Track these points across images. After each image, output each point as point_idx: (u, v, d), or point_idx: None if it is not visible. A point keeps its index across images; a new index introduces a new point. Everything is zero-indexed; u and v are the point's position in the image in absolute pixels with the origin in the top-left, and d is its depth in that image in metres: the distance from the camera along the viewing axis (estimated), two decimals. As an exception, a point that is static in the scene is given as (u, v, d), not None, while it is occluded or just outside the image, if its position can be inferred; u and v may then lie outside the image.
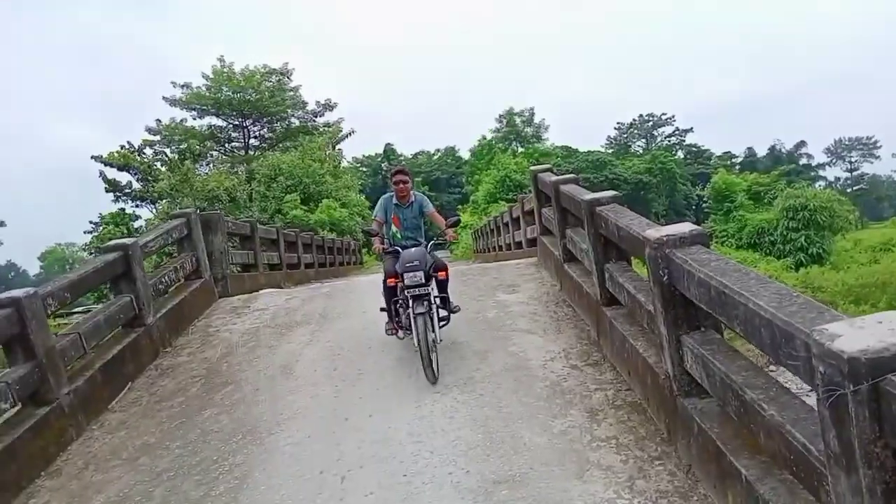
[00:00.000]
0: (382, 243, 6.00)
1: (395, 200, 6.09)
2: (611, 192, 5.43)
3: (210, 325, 7.64)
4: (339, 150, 41.11)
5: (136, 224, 34.73)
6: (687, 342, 3.46)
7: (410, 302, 5.29)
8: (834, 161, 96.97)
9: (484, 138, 69.56)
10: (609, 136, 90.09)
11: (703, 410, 3.38)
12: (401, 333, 5.69)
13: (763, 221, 36.16)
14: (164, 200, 32.76)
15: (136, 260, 6.68)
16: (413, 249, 5.62)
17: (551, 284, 7.60)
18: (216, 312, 8.15)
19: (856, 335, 1.86)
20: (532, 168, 9.18)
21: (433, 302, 5.39)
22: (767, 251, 33.95)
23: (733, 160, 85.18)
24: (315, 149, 35.27)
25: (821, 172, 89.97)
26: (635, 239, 4.10)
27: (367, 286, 8.37)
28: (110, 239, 30.96)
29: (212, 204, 27.78)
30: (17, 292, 5.02)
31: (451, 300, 5.90)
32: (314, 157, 34.23)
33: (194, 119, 37.95)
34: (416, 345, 5.16)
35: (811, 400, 2.32)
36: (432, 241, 6.17)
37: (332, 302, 8.12)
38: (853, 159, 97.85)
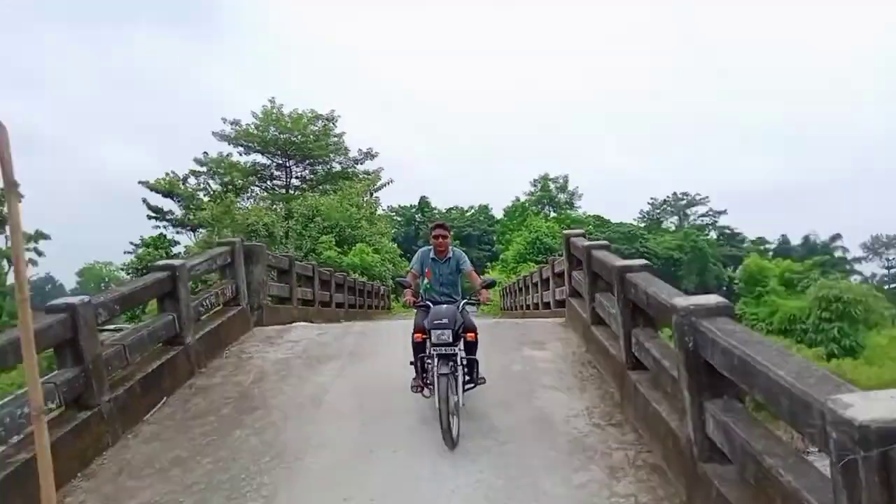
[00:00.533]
0: (414, 297, 5.92)
1: (432, 255, 6.06)
2: (642, 261, 5.65)
3: (244, 352, 7.92)
4: (376, 197, 42.03)
5: (175, 249, 35.70)
6: (709, 408, 3.60)
7: (435, 360, 5.14)
8: (870, 256, 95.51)
9: (518, 200, 70.39)
10: (642, 210, 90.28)
11: (722, 476, 3.49)
12: (426, 392, 5.43)
13: (795, 309, 35.71)
14: (205, 229, 33.80)
15: (182, 281, 7.03)
16: (444, 307, 5.49)
17: (577, 345, 7.74)
18: (251, 340, 8.43)
19: (868, 406, 2.03)
20: (566, 232, 9.47)
21: (459, 363, 5.22)
22: (799, 339, 33.40)
23: (766, 246, 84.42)
24: (353, 194, 36.13)
25: (856, 266, 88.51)
26: (663, 306, 4.29)
27: (397, 329, 8.58)
28: (150, 261, 32.05)
29: (250, 237, 28.48)
30: (73, 299, 5.36)
31: (478, 367, 5.62)
32: (352, 201, 35.05)
33: (240, 155, 39.33)
34: (436, 405, 4.95)
35: (827, 470, 2.46)
36: (465, 301, 5.95)
37: (363, 341, 8.35)
38: (890, 257, 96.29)
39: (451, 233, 6.35)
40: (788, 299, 38.87)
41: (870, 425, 1.95)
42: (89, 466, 5.11)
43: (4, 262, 47.75)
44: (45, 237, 53.07)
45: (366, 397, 6.20)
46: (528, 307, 15.96)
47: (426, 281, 6.02)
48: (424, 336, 5.41)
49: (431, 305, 5.60)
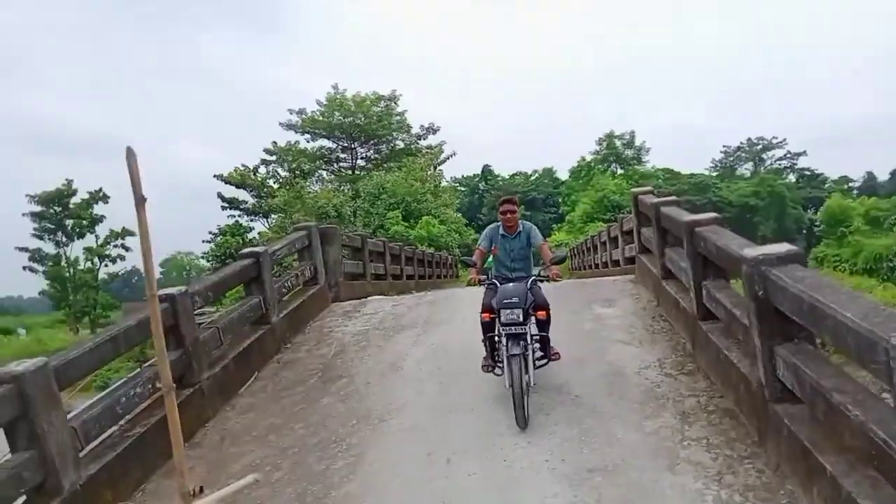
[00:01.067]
0: (479, 274, 5.67)
1: (501, 231, 5.78)
2: (711, 214, 5.61)
3: (325, 326, 8.36)
4: (440, 170, 42.32)
5: (250, 235, 37.25)
6: (780, 352, 3.64)
7: (505, 341, 4.96)
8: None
9: (583, 159, 69.03)
10: (714, 159, 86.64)
11: (792, 414, 3.55)
12: (497, 370, 5.30)
13: (881, 247, 33.94)
14: (277, 215, 35.09)
15: (266, 266, 7.48)
16: (511, 285, 5.26)
17: (648, 300, 7.75)
18: (330, 315, 8.88)
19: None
20: (633, 190, 9.38)
21: (529, 342, 5.04)
22: (885, 277, 31.75)
23: (850, 184, 79.71)
24: (417, 169, 36.53)
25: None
26: (732, 257, 4.31)
27: (467, 296, 8.80)
28: (227, 248, 33.58)
29: (320, 219, 29.35)
30: (172, 290, 5.84)
31: (551, 343, 5.43)
32: (416, 176, 35.45)
33: (307, 142, 40.41)
34: (507, 386, 4.83)
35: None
36: (534, 277, 5.60)
37: (436, 309, 8.63)
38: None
39: (520, 207, 6.03)
40: (874, 238, 36.97)
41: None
42: (194, 437, 5.62)
43: (96, 260, 51.25)
44: (132, 234, 56.31)
45: (442, 361, 6.46)
46: (597, 266, 15.90)
47: (496, 258, 5.83)
48: (493, 315, 5.20)
49: (498, 284, 5.39)
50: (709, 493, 3.61)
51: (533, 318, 5.22)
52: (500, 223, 5.84)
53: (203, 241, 42.90)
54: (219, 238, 37.51)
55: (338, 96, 39.20)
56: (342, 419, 5.46)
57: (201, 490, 2.96)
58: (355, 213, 32.77)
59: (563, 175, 73.44)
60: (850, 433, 2.82)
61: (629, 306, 7.69)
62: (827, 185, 75.19)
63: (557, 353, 5.44)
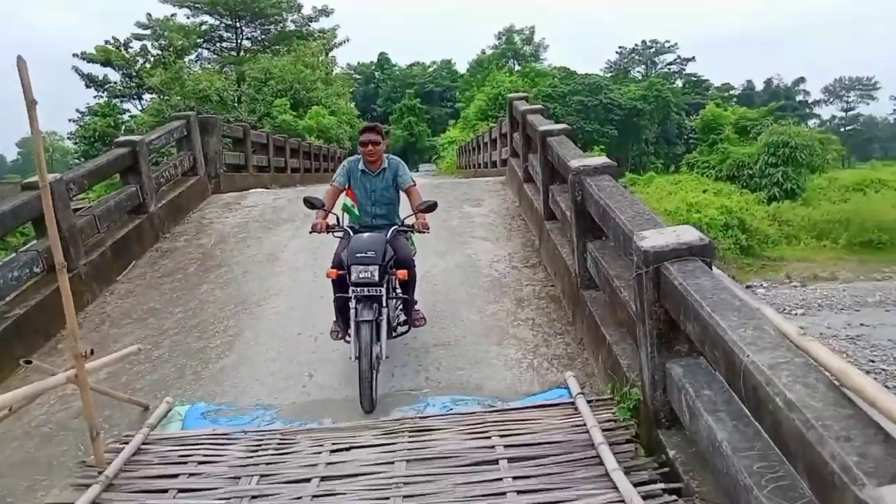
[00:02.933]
0: (325, 219, 4.54)
1: (361, 166, 4.72)
2: (561, 126, 6.29)
3: (204, 217, 8.55)
4: (332, 56, 40.77)
5: (123, 118, 34.81)
6: (589, 247, 4.45)
7: (354, 303, 4.09)
8: (831, 100, 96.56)
9: (483, 53, 68.45)
10: (609, 60, 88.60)
11: (593, 298, 4.41)
12: (349, 338, 4.26)
13: (744, 155, 37.03)
14: (152, 96, 32.84)
15: (142, 155, 7.49)
16: (366, 235, 4.33)
17: (512, 201, 8.53)
18: (209, 207, 9.03)
19: (655, 238, 2.82)
20: (509, 95, 9.94)
21: (386, 306, 4.16)
22: (745, 184, 34.97)
23: (731, 92, 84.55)
24: (308, 54, 35.02)
25: (816, 110, 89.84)
26: (565, 165, 5.00)
27: (349, 192, 9.23)
28: (96, 130, 31.33)
29: (201, 103, 27.94)
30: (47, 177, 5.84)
31: (416, 307, 4.71)
32: (307, 62, 34.07)
33: (187, 17, 37.30)
34: (352, 358, 4.03)
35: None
36: (395, 228, 4.56)
37: (316, 204, 8.99)
38: (850, 99, 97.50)
39: (387, 138, 5.09)
40: (740, 146, 40.17)
41: (650, 250, 2.74)
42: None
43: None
44: (-14, 110, 50.71)
45: (318, 253, 6.93)
46: (479, 166, 16.58)
47: (350, 203, 4.84)
48: (342, 272, 4.21)
49: (351, 233, 4.45)
50: (525, 361, 4.47)
51: (395, 279, 4.42)
52: (360, 157, 4.78)
53: (70, 121, 39.69)
54: (87, 118, 34.82)
55: (223, -34, 36.19)
56: (220, 304, 5.91)
57: (91, 352, 3.41)
58: (239, 99, 31.34)
59: (462, 68, 72.69)
60: (621, 310, 3.66)
61: (495, 206, 8.44)
62: (710, 93, 79.35)
63: (423, 317, 4.75)
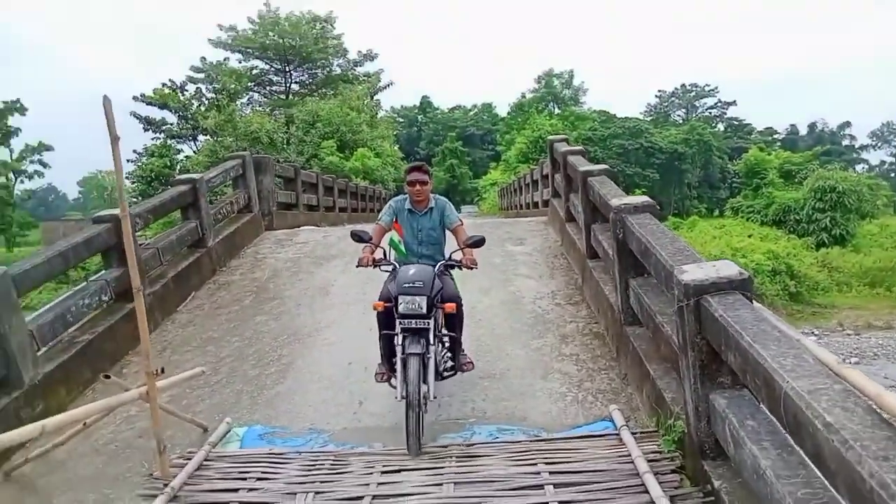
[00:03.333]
0: (373, 253, 4.45)
1: (408, 205, 4.69)
2: (602, 166, 6.49)
3: (258, 252, 8.93)
4: (377, 100, 42.02)
5: (178, 157, 36.31)
6: (632, 284, 4.57)
7: (401, 338, 3.98)
8: (879, 145, 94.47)
9: (523, 96, 69.47)
10: (649, 104, 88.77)
11: (637, 334, 4.51)
12: (395, 380, 4.11)
13: (791, 200, 36.48)
14: (206, 138, 34.28)
15: (201, 192, 7.94)
16: (414, 267, 4.25)
17: (554, 240, 8.69)
18: (263, 242, 9.43)
19: (695, 272, 2.95)
20: (550, 137, 10.18)
21: (433, 343, 4.02)
22: (792, 229, 34.37)
23: (774, 136, 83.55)
24: (354, 98, 36.18)
25: (864, 155, 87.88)
26: (606, 205, 5.16)
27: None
28: (153, 170, 32.76)
29: (252, 144, 29.02)
30: (115, 211, 6.27)
31: (463, 350, 4.57)
32: (352, 105, 35.18)
33: (239, 62, 39.11)
34: (398, 398, 3.87)
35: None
36: (443, 263, 4.49)
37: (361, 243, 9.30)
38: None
39: (432, 177, 4.84)
40: (786, 191, 39.59)
41: (690, 283, 2.87)
42: (137, 346, 6.19)
43: (11, 175, 48.81)
44: (49, 148, 53.59)
45: (367, 288, 7.15)
46: (521, 207, 16.82)
47: (398, 238, 4.74)
48: (389, 304, 4.13)
49: (398, 266, 4.40)
50: (569, 395, 4.56)
51: (441, 314, 4.27)
52: (406, 196, 4.75)
53: (128, 161, 41.51)
54: (144, 159, 36.42)
55: (271, 14, 37.94)
56: (274, 334, 6.17)
57: (162, 371, 3.67)
58: (288, 141, 32.46)
59: (502, 111, 73.80)
60: (665, 345, 3.76)
61: (537, 245, 8.60)
62: (753, 136, 78.59)
63: (471, 361, 4.59)
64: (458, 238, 4.64)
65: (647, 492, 3.02)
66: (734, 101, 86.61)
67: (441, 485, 3.31)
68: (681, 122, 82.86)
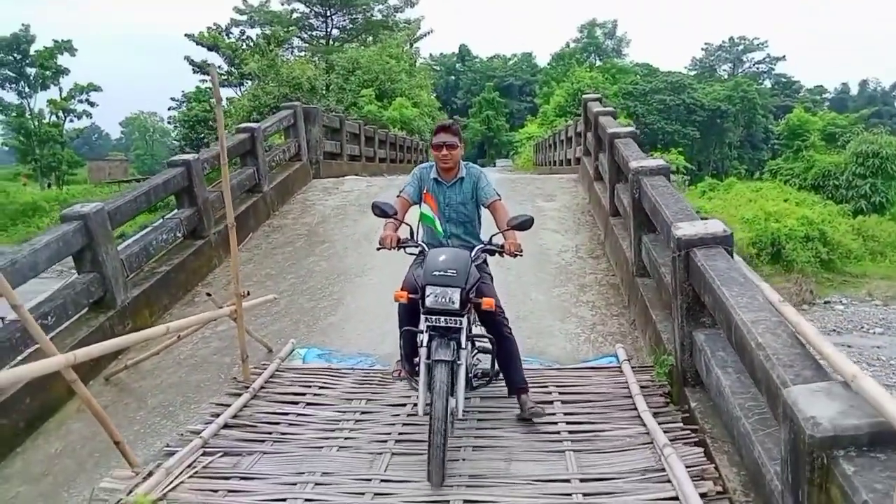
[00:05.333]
0: (397, 230, 3.83)
1: (433, 173, 3.97)
2: (629, 128, 6.98)
3: (307, 199, 9.68)
4: (416, 48, 41.99)
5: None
6: (644, 239, 5.16)
7: (426, 339, 3.29)
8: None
9: (567, 46, 68.26)
10: (694, 58, 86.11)
11: (645, 284, 5.13)
12: (415, 381, 3.55)
13: (831, 164, 35.72)
14: (250, 83, 34.99)
15: (259, 141, 8.66)
16: (447, 251, 3.52)
17: (582, 197, 9.24)
18: (311, 190, 10.18)
19: (687, 228, 3.55)
20: (584, 96, 10.58)
21: (464, 345, 3.30)
22: (830, 195, 33.77)
23: (824, 95, 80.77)
24: (393, 45, 36.30)
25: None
26: (627, 166, 5.71)
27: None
28: (195, 115, 33.71)
29: (293, 91, 29.59)
30: (188, 157, 7.05)
31: (510, 352, 3.75)
32: (391, 53, 35.34)
33: (281, 4, 39.43)
34: (420, 412, 3.30)
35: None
36: (479, 247, 3.74)
37: (403, 191, 9.98)
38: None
39: (463, 140, 4.01)
40: (827, 154, 38.77)
41: (682, 238, 3.48)
42: (205, 279, 7.06)
43: (61, 114, 50.42)
44: (97, 89, 54.90)
45: (406, 235, 7.91)
46: (554, 163, 17.22)
47: (427, 211, 3.88)
48: (413, 296, 3.41)
49: (426, 248, 3.68)
50: (583, 336, 5.25)
51: (473, 310, 3.53)
52: (433, 163, 4.04)
53: (169, 109, 42.71)
54: (184, 105, 37.42)
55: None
56: (325, 274, 6.94)
57: (248, 293, 4.44)
58: (328, 88, 32.95)
59: (543, 61, 72.69)
60: (665, 293, 4.38)
61: (567, 201, 9.17)
62: (801, 95, 76.10)
63: (525, 386, 3.77)
64: (497, 217, 3.86)
65: (635, 408, 3.70)
66: (783, 56, 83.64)
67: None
68: (726, 77, 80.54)
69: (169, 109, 43.30)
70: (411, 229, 3.90)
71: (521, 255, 3.80)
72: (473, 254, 3.60)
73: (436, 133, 3.97)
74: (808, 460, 1.79)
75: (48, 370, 2.74)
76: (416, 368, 3.51)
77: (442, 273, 3.29)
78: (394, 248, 3.76)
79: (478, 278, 3.47)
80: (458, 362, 3.23)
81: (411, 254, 3.94)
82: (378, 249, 3.88)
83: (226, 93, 38.12)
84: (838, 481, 1.71)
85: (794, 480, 1.90)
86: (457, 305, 3.24)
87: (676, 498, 2.78)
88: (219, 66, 38.24)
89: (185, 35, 36.84)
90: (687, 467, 2.91)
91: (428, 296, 3.27)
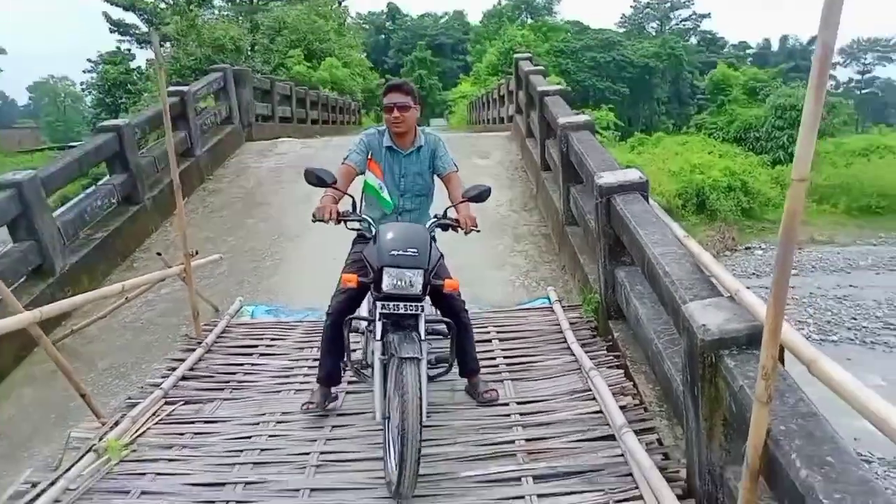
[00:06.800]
0: (337, 202, 3.32)
1: (386, 140, 3.50)
2: (558, 87, 7.28)
3: (241, 162, 9.62)
4: (344, 6, 41.00)
5: (133, 63, 35.58)
6: (572, 191, 5.50)
7: (379, 330, 2.88)
8: (848, 62, 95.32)
9: (499, 3, 67.97)
10: (624, 14, 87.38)
11: (574, 232, 5.50)
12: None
13: (752, 117, 37.39)
14: (170, 45, 33.49)
15: (189, 104, 8.53)
16: (402, 226, 3.16)
17: (515, 154, 9.55)
18: (245, 153, 10.10)
19: (608, 177, 3.88)
20: (516, 55, 10.80)
21: (423, 337, 2.88)
22: (752, 147, 35.45)
23: (747, 51, 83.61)
24: (322, 3, 35.35)
25: (832, 72, 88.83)
26: (555, 122, 6.01)
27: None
28: (110, 79, 32.14)
29: (217, 52, 28.53)
30: (119, 122, 6.94)
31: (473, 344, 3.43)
32: (319, 12, 34.44)
33: (201, -41, 37.52)
34: (379, 416, 2.89)
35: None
36: (433, 222, 3.26)
37: (340, 153, 9.90)
38: (867, 61, 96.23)
39: (418, 99, 3.55)
40: (749, 108, 40.52)
41: (603, 185, 3.81)
42: (143, 244, 7.04)
43: None
44: (1, 51, 51.33)
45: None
46: (488, 121, 17.46)
47: (374, 181, 3.40)
48: (365, 280, 2.96)
49: (372, 223, 3.19)
50: (517, 282, 5.60)
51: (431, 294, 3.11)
52: (385, 128, 3.54)
53: (84, 71, 40.45)
54: (100, 67, 35.54)
55: None
56: (265, 235, 7.03)
57: (196, 253, 4.54)
58: (253, 48, 31.91)
59: (474, 19, 72.24)
60: (591, 238, 4.74)
61: (501, 158, 9.46)
62: (725, 51, 78.50)
63: (494, 389, 3.51)
64: (452, 188, 3.50)
65: (565, 341, 4.07)
66: (709, 14, 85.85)
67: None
68: (654, 34, 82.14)
69: (84, 72, 41.00)
70: (354, 201, 3.36)
71: (478, 231, 3.30)
72: (429, 228, 3.17)
73: (385, 93, 3.47)
74: (700, 360, 2.14)
75: (16, 327, 2.83)
76: (360, 364, 3.19)
77: (400, 253, 2.84)
78: (332, 222, 3.19)
79: (439, 257, 3.07)
80: (420, 358, 2.69)
81: (353, 229, 3.47)
82: (314, 222, 3.29)
83: (143, 55, 36.44)
84: (723, 374, 2.07)
85: (691, 379, 2.25)
86: (419, 290, 2.84)
87: (600, 411, 3.15)
88: (136, 27, 36.44)
89: (99, -5, 34.75)
90: (609, 386, 3.29)
91: (385, 279, 2.82)
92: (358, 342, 3.56)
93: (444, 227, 3.29)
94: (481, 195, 3.24)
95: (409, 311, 2.84)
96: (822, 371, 1.58)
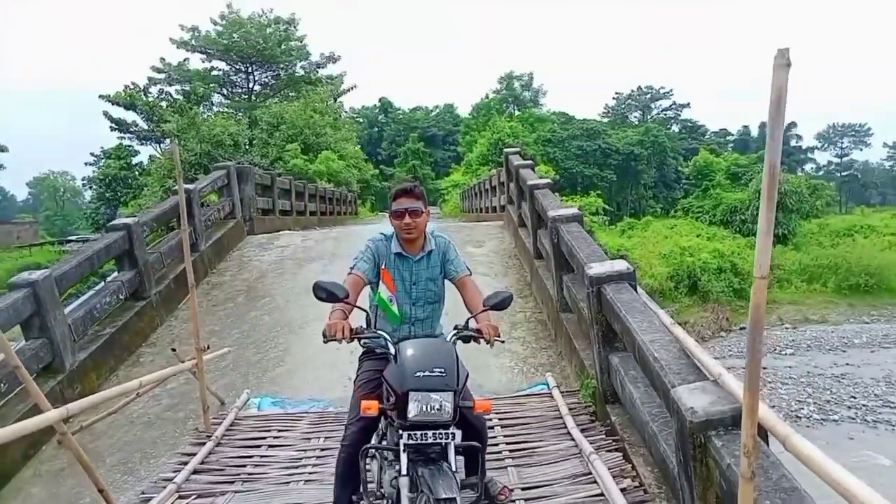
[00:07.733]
0: (348, 317, 3.07)
1: (395, 246, 3.28)
2: (546, 180, 7.70)
3: (244, 256, 9.92)
4: (340, 102, 42.82)
5: (136, 160, 36.71)
6: (564, 279, 5.78)
7: (404, 464, 2.57)
8: (825, 146, 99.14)
9: (487, 97, 70.95)
10: (607, 105, 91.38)
11: (568, 318, 5.72)
12: None
13: (736, 200, 38.57)
14: (169, 140, 34.62)
15: (195, 201, 8.90)
16: (425, 342, 2.94)
17: (509, 242, 9.91)
18: (247, 246, 10.42)
19: (598, 268, 4.15)
20: (506, 150, 11.39)
21: (455, 468, 2.60)
22: (738, 229, 36.41)
23: (728, 138, 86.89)
24: (317, 100, 36.92)
25: (811, 156, 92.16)
26: (546, 214, 6.36)
27: (368, 233, 10.64)
28: (112, 174, 33.03)
29: (216, 148, 29.53)
30: (128, 220, 7.24)
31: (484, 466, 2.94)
32: (316, 108, 35.92)
33: (202, 62, 39.48)
34: None
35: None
36: (454, 334, 3.06)
37: (339, 244, 10.39)
38: (844, 145, 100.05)
39: (427, 203, 3.30)
40: (732, 192, 41.83)
41: (594, 276, 4.07)
42: (148, 339, 7.19)
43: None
44: (3, 149, 52.72)
45: (345, 286, 8.29)
46: (481, 210, 18.01)
47: (385, 293, 3.12)
48: (384, 405, 2.70)
49: (387, 339, 2.94)
50: (516, 368, 5.76)
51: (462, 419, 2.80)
52: (392, 234, 3.32)
53: (86, 164, 41.54)
54: (103, 162, 36.59)
55: (233, 15, 38.48)
56: (269, 327, 7.21)
57: (208, 347, 4.71)
58: (252, 143, 33.03)
59: (464, 111, 75.19)
60: (585, 325, 4.96)
61: (494, 247, 9.81)
62: (707, 137, 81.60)
63: (507, 486, 3.28)
64: (468, 295, 3.35)
65: (565, 426, 4.21)
66: (688, 104, 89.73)
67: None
68: (637, 123, 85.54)
69: (86, 164, 41.97)
70: (368, 316, 3.20)
71: (502, 342, 3.09)
72: (451, 340, 2.97)
73: (395, 198, 3.19)
74: (690, 441, 2.32)
75: (45, 424, 2.97)
76: (371, 500, 2.75)
77: (427, 374, 2.55)
78: (344, 341, 2.92)
79: (466, 376, 2.73)
80: (457, 497, 2.41)
81: (369, 346, 3.24)
82: (325, 342, 3.00)
83: (146, 151, 37.59)
84: (712, 453, 2.25)
85: (684, 460, 2.42)
86: (448, 415, 2.54)
87: (602, 495, 3.27)
88: (136, 124, 37.74)
89: (100, 97, 36.18)
90: (609, 469, 3.42)
91: (412, 405, 2.52)
92: (369, 469, 3.08)
93: (466, 340, 3.02)
94: (504, 302, 3.06)
95: (438, 441, 2.55)
96: (794, 446, 1.77)
